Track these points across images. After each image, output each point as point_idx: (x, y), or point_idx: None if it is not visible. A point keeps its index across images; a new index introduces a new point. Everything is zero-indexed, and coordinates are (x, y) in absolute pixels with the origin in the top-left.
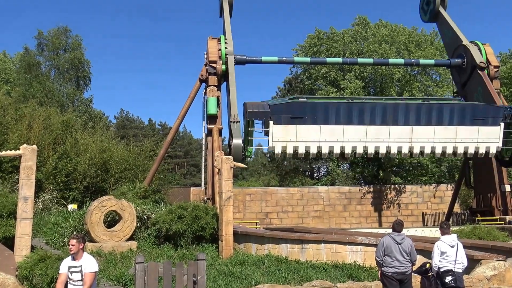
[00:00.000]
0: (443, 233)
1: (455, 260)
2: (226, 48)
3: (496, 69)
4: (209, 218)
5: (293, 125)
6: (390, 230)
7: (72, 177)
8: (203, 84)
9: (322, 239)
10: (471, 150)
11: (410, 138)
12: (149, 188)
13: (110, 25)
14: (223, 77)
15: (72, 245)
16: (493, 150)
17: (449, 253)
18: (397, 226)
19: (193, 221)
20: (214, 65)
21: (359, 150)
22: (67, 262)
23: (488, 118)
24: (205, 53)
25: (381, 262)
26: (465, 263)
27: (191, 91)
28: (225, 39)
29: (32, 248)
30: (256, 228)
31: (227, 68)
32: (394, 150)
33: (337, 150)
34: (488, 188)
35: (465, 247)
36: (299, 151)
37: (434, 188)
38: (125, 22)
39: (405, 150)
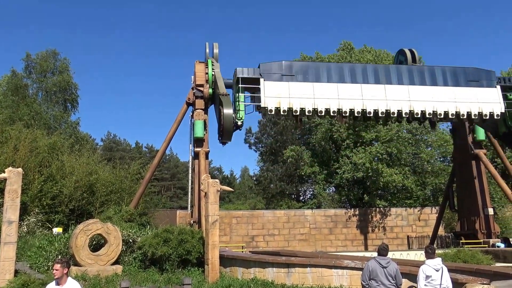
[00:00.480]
0: (428, 257)
1: (440, 284)
2: (213, 70)
3: None
4: (195, 242)
5: (284, 82)
6: (376, 254)
7: (58, 200)
8: (190, 107)
9: (308, 262)
10: (475, 111)
11: (409, 97)
12: (135, 211)
13: (99, 48)
14: (210, 100)
15: (56, 270)
16: (497, 111)
17: (434, 277)
18: (382, 251)
19: (179, 245)
20: (201, 88)
21: (358, 108)
22: (51, 287)
23: (482, 80)
24: (192, 76)
25: (367, 286)
26: (450, 287)
27: (178, 114)
28: (213, 65)
29: (16, 272)
30: (242, 251)
31: (214, 81)
32: (394, 110)
33: (334, 108)
34: (471, 211)
35: (449, 270)
36: (294, 108)
37: (418, 211)
38: (113, 46)
39: (405, 110)
